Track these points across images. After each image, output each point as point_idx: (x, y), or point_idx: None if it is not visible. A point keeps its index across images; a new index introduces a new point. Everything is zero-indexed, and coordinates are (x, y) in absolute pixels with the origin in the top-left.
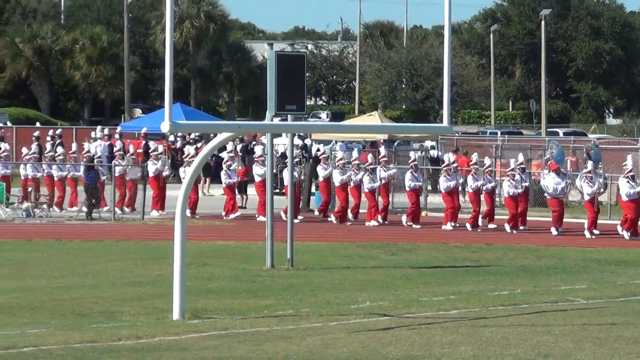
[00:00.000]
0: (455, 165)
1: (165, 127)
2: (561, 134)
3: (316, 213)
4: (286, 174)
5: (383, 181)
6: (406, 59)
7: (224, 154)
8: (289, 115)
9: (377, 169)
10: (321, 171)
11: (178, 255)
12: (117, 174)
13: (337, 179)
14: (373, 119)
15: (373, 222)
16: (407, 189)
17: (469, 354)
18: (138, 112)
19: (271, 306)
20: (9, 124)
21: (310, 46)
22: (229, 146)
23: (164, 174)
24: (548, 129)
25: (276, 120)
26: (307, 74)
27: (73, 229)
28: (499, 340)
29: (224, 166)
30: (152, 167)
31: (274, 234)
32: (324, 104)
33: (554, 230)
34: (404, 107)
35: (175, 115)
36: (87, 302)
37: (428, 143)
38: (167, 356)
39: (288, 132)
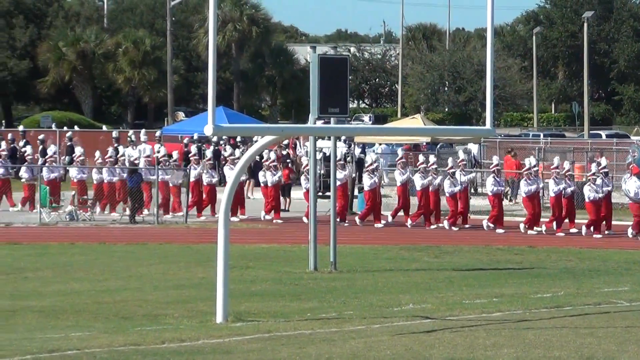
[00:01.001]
0: (536, 169)
1: (208, 130)
2: (604, 136)
3: (357, 220)
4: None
5: (463, 185)
6: (449, 62)
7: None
8: (331, 119)
9: (457, 172)
10: (367, 180)
11: (221, 258)
12: (160, 179)
13: (418, 183)
14: (416, 121)
15: (453, 228)
16: (489, 193)
17: (512, 357)
18: (181, 115)
19: (314, 309)
20: (54, 126)
21: (352, 49)
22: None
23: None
24: (590, 132)
25: (319, 124)
26: (350, 77)
27: (116, 232)
28: (542, 343)
29: (264, 165)
30: (193, 172)
31: (317, 237)
32: (367, 107)
33: (630, 233)
34: (446, 109)
35: (218, 119)
36: (131, 305)
37: (471, 146)
38: (211, 359)
39: (331, 135)
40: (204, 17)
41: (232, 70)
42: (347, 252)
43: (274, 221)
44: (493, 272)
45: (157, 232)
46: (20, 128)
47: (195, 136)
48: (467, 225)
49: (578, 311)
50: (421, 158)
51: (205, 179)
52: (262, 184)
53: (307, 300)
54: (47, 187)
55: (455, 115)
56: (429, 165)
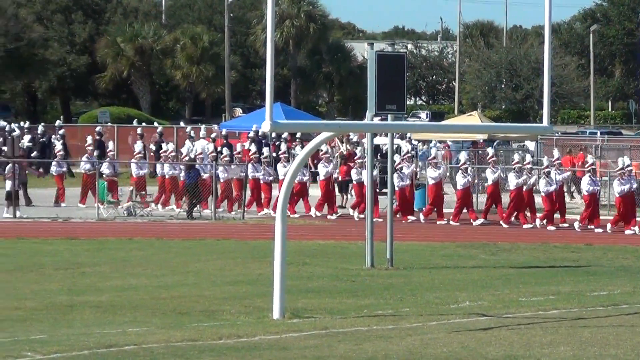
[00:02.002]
0: (630, 169)
1: (266, 126)
2: None
3: (422, 218)
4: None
5: (559, 184)
6: (506, 59)
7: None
8: (388, 115)
9: (552, 172)
10: (460, 179)
11: (279, 254)
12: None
13: (512, 182)
14: (473, 118)
15: (551, 227)
16: (585, 192)
17: (568, 355)
18: (238, 111)
19: (371, 306)
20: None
21: (410, 46)
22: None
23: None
24: None
25: (376, 120)
26: (407, 74)
27: (174, 228)
28: (598, 341)
29: (322, 158)
30: (250, 169)
31: (374, 234)
32: (424, 103)
33: None
34: (503, 107)
35: (276, 115)
36: (188, 300)
37: (528, 143)
38: (268, 355)
39: (388, 132)
40: (262, 13)
41: (290, 67)
42: (403, 249)
43: (329, 217)
44: (550, 270)
45: (215, 227)
46: (58, 123)
47: (252, 133)
48: (565, 225)
49: (634, 309)
50: (516, 157)
51: (262, 176)
52: (320, 177)
53: (364, 297)
54: (105, 183)
55: (512, 112)
56: (524, 163)
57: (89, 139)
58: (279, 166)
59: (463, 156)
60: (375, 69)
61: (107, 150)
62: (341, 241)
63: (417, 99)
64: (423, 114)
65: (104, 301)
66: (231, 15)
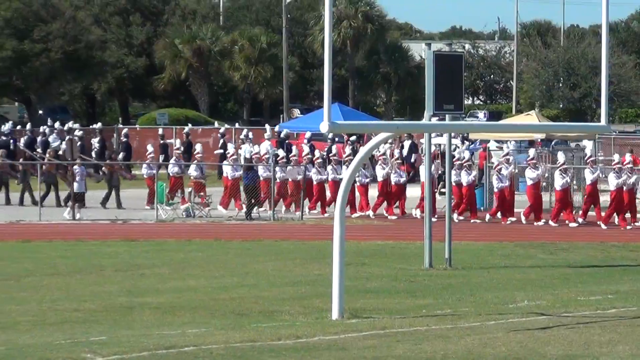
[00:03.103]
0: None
1: (324, 127)
2: None
3: (487, 217)
4: (464, 175)
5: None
6: (563, 58)
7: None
8: (446, 115)
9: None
10: (559, 179)
11: (337, 254)
12: (278, 175)
13: (612, 182)
14: (530, 118)
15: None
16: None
17: (627, 354)
18: (296, 112)
19: (429, 306)
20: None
21: (467, 46)
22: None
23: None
24: None
25: (434, 120)
26: (465, 74)
27: (232, 229)
28: None
29: (379, 160)
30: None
31: (432, 234)
32: (482, 103)
33: None
34: (561, 106)
35: (334, 116)
36: (247, 301)
37: (585, 142)
38: (327, 355)
39: (446, 132)
40: (319, 14)
41: (348, 67)
42: (461, 248)
43: (389, 217)
44: (608, 269)
45: (273, 228)
46: (98, 125)
47: (308, 134)
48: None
49: None
50: (616, 157)
51: (315, 177)
52: (379, 178)
53: (422, 297)
54: (163, 184)
55: (570, 111)
56: (624, 164)
57: (177, 142)
58: (378, 168)
59: (562, 156)
60: (433, 69)
61: (195, 153)
62: (400, 241)
63: (475, 98)
64: (481, 114)
65: (163, 302)
66: (289, 16)
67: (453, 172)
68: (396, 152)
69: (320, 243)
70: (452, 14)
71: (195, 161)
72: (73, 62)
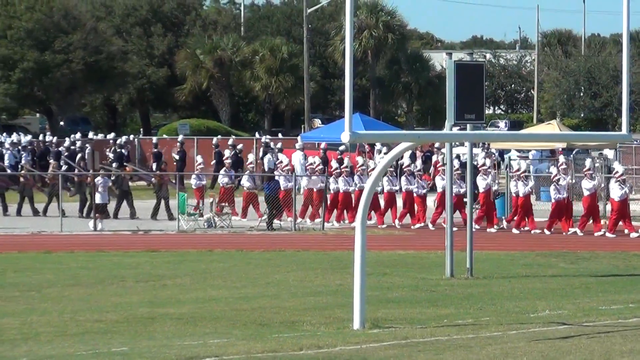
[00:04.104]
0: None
1: (345, 137)
2: None
3: (504, 224)
4: (481, 182)
5: None
6: (584, 67)
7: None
8: (467, 125)
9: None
10: (617, 190)
11: (358, 265)
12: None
13: (616, 193)
14: (551, 127)
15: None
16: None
17: None
18: (317, 122)
19: (451, 315)
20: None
21: (488, 55)
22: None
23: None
24: None
25: (455, 130)
26: (486, 83)
27: (254, 239)
28: None
29: (405, 171)
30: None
31: (454, 243)
32: (502, 112)
33: None
34: (582, 115)
35: (355, 125)
36: (269, 312)
37: (606, 151)
38: None
39: (467, 141)
40: (340, 24)
41: (369, 77)
42: (483, 258)
43: (412, 227)
44: (629, 278)
45: (294, 238)
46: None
47: (323, 145)
48: None
49: None
50: (588, 163)
51: (342, 187)
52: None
53: (444, 306)
54: (184, 194)
55: (591, 120)
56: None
57: (227, 152)
58: (355, 178)
59: (588, 163)
60: (454, 79)
61: (247, 163)
62: (421, 251)
63: (496, 108)
64: (502, 123)
65: (185, 313)
66: (310, 26)
67: (512, 182)
68: (419, 163)
69: (341, 253)
70: (473, 23)
71: (248, 172)
72: (94, 73)
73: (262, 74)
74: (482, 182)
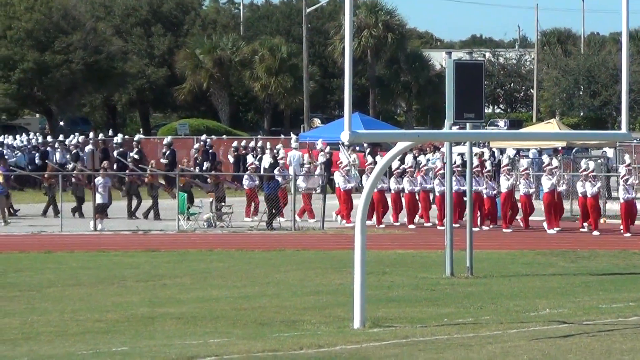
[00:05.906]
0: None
1: (345, 136)
2: None
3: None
4: (545, 182)
5: None
6: (584, 66)
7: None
8: (467, 124)
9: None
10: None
11: (358, 264)
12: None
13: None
14: (551, 126)
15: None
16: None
17: None
18: (317, 121)
19: (451, 314)
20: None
21: (487, 54)
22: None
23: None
24: None
25: (454, 129)
26: (485, 82)
27: (254, 239)
28: None
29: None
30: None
31: (454, 242)
32: (502, 112)
33: None
34: (581, 114)
35: (354, 125)
36: (269, 311)
37: (607, 150)
38: None
39: (466, 141)
40: (340, 23)
41: (368, 76)
42: (483, 257)
43: (409, 226)
44: (629, 277)
45: (295, 238)
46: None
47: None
48: None
49: None
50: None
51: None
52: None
53: (444, 305)
54: (184, 194)
55: (591, 119)
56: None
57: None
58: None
59: (592, 165)
60: (453, 78)
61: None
62: (420, 250)
63: (495, 107)
64: (501, 122)
65: (185, 312)
66: (309, 26)
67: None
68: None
69: (341, 252)
70: (472, 22)
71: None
72: (94, 73)
73: (262, 74)
74: (547, 182)
